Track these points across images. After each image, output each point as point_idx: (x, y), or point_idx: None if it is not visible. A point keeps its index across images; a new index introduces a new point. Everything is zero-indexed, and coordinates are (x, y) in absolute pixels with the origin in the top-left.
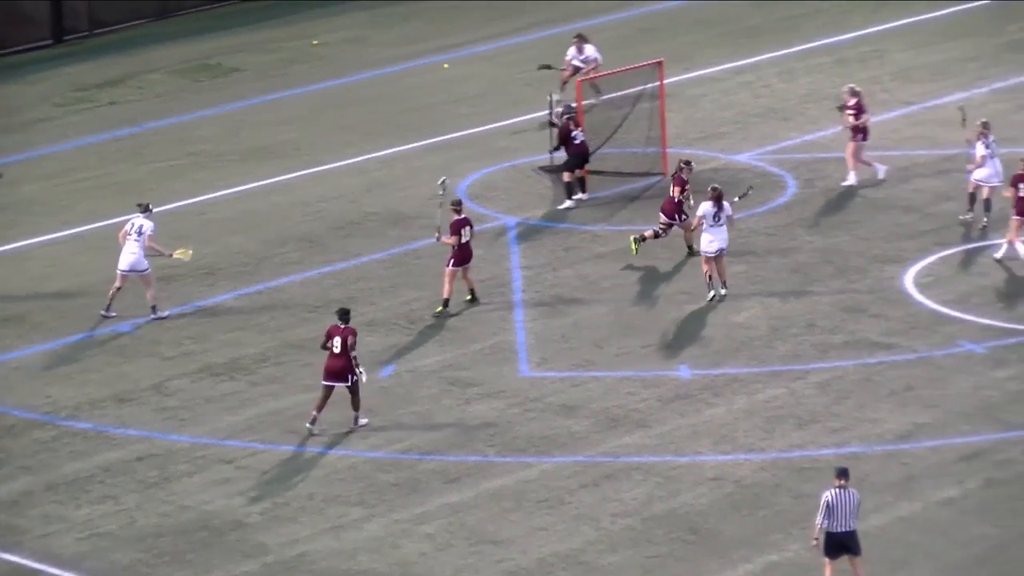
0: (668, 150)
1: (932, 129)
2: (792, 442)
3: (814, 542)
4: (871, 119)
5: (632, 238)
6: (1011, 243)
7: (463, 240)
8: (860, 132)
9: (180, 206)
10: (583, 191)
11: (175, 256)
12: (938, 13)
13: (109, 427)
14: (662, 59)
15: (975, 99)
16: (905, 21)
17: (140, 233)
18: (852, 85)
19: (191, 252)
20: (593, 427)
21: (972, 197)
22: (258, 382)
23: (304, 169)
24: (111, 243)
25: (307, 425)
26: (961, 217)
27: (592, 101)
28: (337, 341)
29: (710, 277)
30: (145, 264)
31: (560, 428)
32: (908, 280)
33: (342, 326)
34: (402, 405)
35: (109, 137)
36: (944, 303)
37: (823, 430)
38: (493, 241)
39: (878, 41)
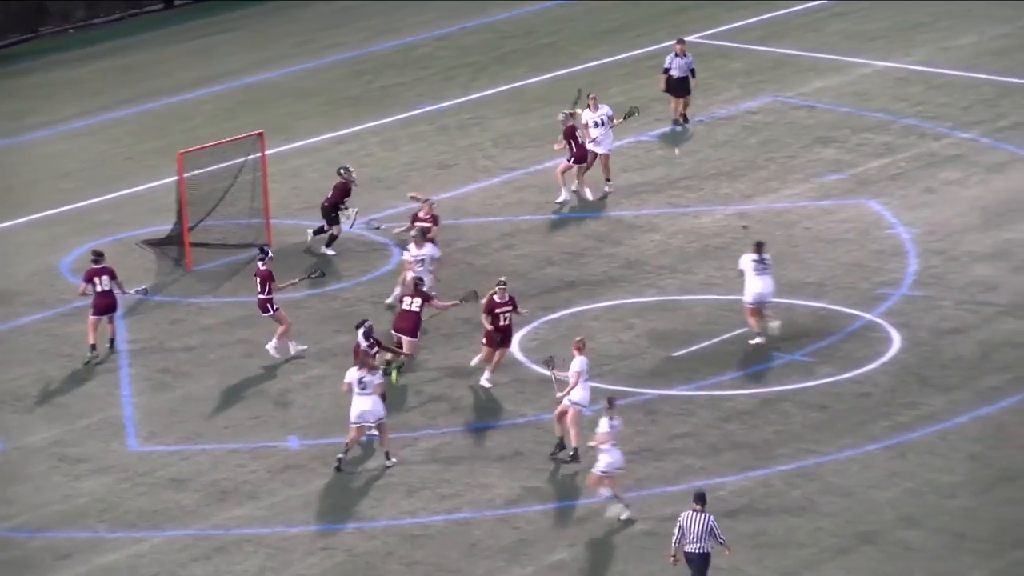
0: (272, 220)
1: (535, 194)
2: (403, 510)
3: (672, 558)
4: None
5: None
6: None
7: (98, 289)
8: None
9: None
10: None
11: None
12: (536, 79)
13: None
14: (262, 131)
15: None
16: (504, 88)
17: None
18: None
19: None
20: (203, 500)
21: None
22: None
23: None
24: None
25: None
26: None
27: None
28: None
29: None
30: None
31: (170, 502)
32: (515, 345)
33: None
34: (11, 483)
35: None
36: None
37: (433, 496)
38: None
39: (477, 108)
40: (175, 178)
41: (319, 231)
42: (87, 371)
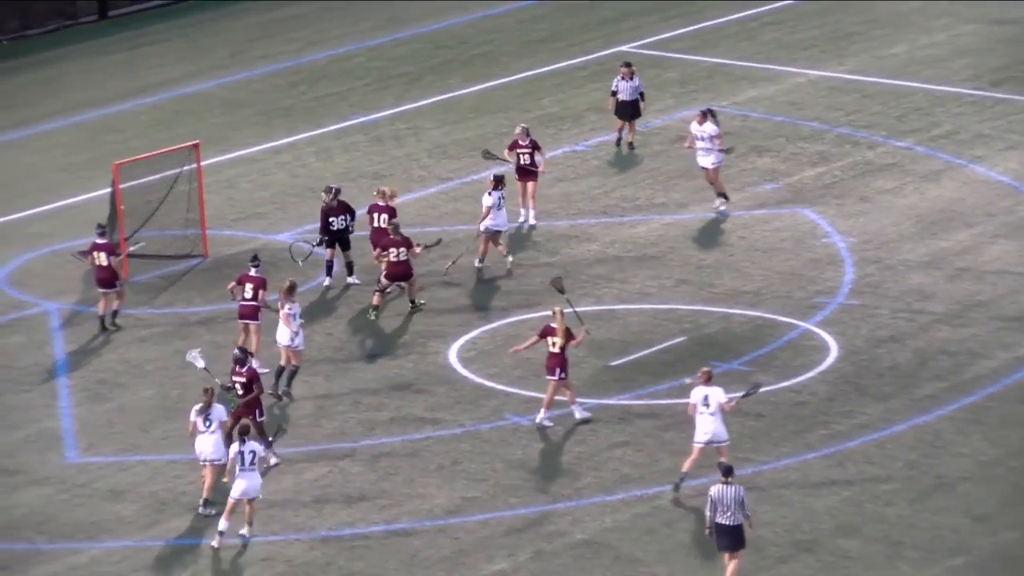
0: (208, 231)
1: (470, 204)
2: (341, 520)
3: (707, 531)
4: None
5: None
6: None
7: (96, 263)
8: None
9: None
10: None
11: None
12: (470, 90)
13: None
14: (198, 141)
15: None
16: (438, 98)
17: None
18: (524, 125)
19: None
20: (142, 511)
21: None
22: None
23: None
24: None
25: None
26: (477, 264)
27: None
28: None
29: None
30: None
31: (108, 513)
32: (452, 355)
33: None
34: None
35: None
36: (488, 377)
37: (372, 507)
38: (35, 327)
39: (413, 118)
40: (109, 189)
41: (349, 266)
42: (24, 383)
